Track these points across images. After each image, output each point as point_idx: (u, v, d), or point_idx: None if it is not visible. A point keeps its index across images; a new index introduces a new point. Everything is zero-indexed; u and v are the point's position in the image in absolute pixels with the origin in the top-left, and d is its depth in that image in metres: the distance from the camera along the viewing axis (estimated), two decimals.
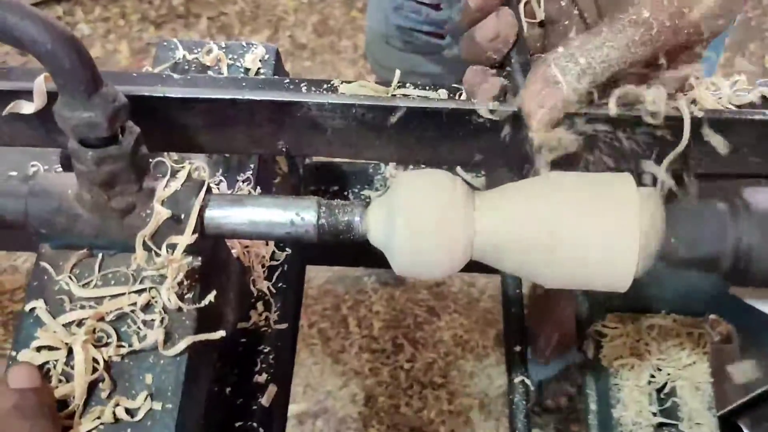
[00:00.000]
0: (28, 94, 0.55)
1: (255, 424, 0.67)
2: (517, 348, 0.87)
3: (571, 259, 0.49)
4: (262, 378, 0.69)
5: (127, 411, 0.52)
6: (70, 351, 0.53)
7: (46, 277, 0.56)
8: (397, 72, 0.62)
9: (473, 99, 0.57)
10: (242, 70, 0.77)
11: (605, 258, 0.49)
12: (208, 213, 0.54)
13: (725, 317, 0.86)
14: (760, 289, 0.59)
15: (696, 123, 0.54)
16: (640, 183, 0.51)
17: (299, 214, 0.54)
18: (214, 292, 0.55)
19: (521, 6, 0.56)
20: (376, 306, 1.91)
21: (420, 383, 1.81)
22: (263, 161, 0.77)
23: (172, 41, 0.79)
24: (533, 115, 0.51)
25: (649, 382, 0.77)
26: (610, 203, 0.49)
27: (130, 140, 0.52)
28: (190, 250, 0.54)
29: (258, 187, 0.74)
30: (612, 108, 0.52)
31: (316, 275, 1.94)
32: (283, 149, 0.62)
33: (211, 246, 0.58)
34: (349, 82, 0.63)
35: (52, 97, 0.54)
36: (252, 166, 0.75)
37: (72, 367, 0.52)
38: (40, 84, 0.54)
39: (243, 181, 0.74)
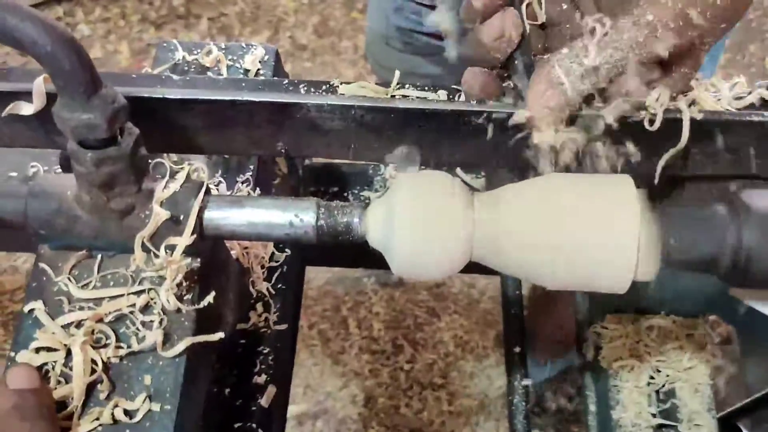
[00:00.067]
0: (27, 96, 0.55)
1: (254, 425, 0.67)
2: (517, 349, 0.87)
3: (571, 261, 0.49)
4: (261, 379, 0.69)
5: (126, 412, 0.51)
6: (68, 352, 0.53)
7: (45, 278, 0.56)
8: (397, 73, 0.62)
9: (472, 100, 0.57)
10: (242, 71, 0.77)
11: (604, 259, 0.49)
12: (207, 214, 0.55)
13: (725, 318, 0.86)
14: (760, 290, 0.59)
15: (695, 124, 0.54)
16: (639, 184, 0.51)
17: (298, 216, 0.54)
18: (213, 294, 0.55)
19: (523, 7, 0.56)
20: (376, 307, 1.91)
21: (420, 384, 1.81)
22: (262, 162, 0.77)
23: (171, 42, 0.79)
24: (537, 115, 0.51)
25: (649, 384, 0.77)
26: (609, 204, 0.49)
27: (129, 141, 0.52)
28: (189, 251, 0.54)
29: (257, 188, 0.74)
30: (609, 117, 0.52)
31: (316, 276, 1.94)
32: (283, 150, 0.62)
33: (210, 247, 0.58)
34: (349, 83, 0.63)
35: (51, 98, 0.54)
36: (251, 167, 0.75)
37: (71, 368, 0.52)
38: (40, 85, 0.54)
39: (242, 182, 0.74)
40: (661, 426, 0.76)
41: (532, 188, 0.52)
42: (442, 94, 0.63)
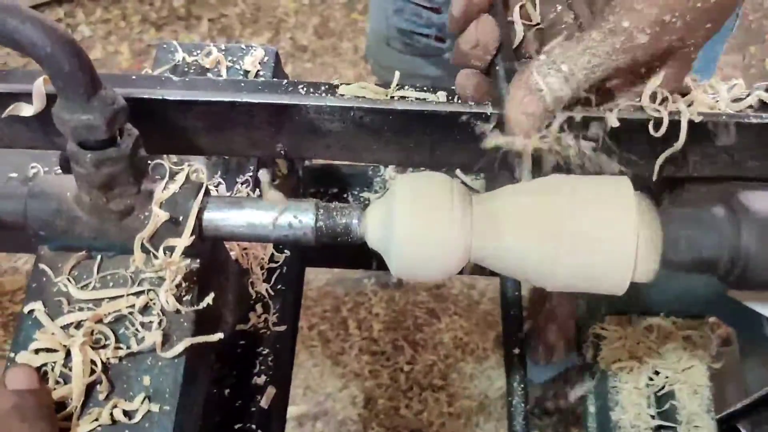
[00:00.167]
0: (27, 97, 0.55)
1: (254, 426, 0.67)
2: (516, 350, 0.87)
3: (569, 262, 0.49)
4: (261, 380, 0.69)
5: (125, 413, 0.52)
6: (68, 353, 0.53)
7: (44, 279, 0.56)
8: (397, 74, 0.62)
9: (466, 101, 0.58)
10: (241, 72, 0.78)
11: (603, 260, 0.49)
12: (207, 215, 0.55)
13: (725, 320, 0.86)
14: (759, 292, 0.59)
15: (693, 126, 0.54)
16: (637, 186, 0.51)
17: (297, 217, 0.54)
18: (212, 294, 0.55)
19: (516, 9, 0.56)
20: (375, 308, 1.91)
21: (420, 385, 1.81)
22: (262, 163, 0.77)
23: (171, 43, 0.79)
24: (515, 121, 0.51)
25: (648, 385, 0.77)
26: (607, 206, 0.49)
27: (128, 142, 0.52)
28: (188, 252, 0.54)
29: (257, 190, 0.74)
30: (612, 119, 0.52)
31: (316, 277, 1.94)
32: (282, 152, 0.62)
33: (210, 248, 0.58)
34: (349, 84, 0.63)
35: (51, 99, 0.54)
36: (251, 168, 0.75)
37: (70, 369, 0.52)
38: (40, 86, 0.54)
39: (242, 183, 0.74)
40: (660, 427, 0.76)
41: (531, 190, 0.52)
42: (442, 95, 0.63)
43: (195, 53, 0.78)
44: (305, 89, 0.60)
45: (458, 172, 0.83)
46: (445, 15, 1.17)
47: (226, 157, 0.75)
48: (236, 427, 0.67)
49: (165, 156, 0.64)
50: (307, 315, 1.87)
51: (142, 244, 0.54)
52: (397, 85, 0.61)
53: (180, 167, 0.57)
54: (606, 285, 0.50)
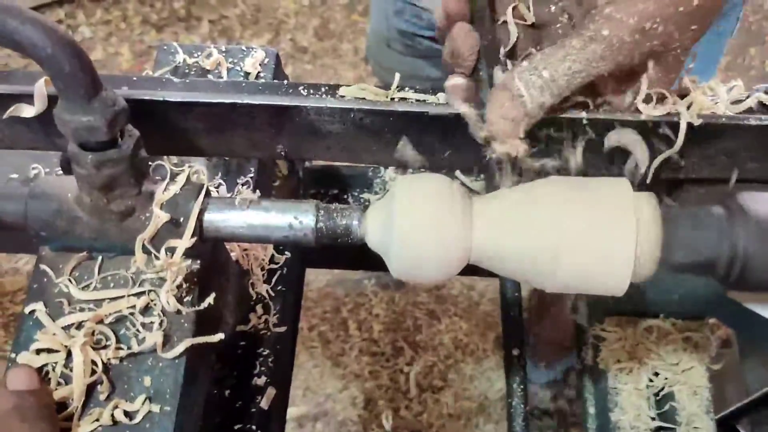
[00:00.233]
0: (28, 98, 0.55)
1: (254, 427, 0.67)
2: (516, 351, 0.87)
3: (569, 264, 0.49)
4: (261, 381, 0.69)
5: (126, 413, 0.52)
6: (69, 353, 0.53)
7: (45, 280, 0.56)
8: (397, 76, 0.63)
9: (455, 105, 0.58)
10: (242, 73, 0.78)
11: (602, 262, 0.49)
12: (207, 216, 0.55)
13: (725, 321, 0.86)
14: (759, 293, 0.59)
15: (692, 127, 0.54)
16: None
17: (298, 218, 0.54)
18: (213, 295, 0.55)
19: (509, 10, 0.57)
20: (376, 309, 1.91)
21: (420, 386, 1.81)
22: (262, 164, 0.77)
23: (172, 45, 0.79)
24: (497, 127, 0.52)
25: (648, 386, 0.78)
26: (606, 208, 0.49)
27: (129, 144, 0.53)
28: (189, 253, 0.54)
29: (257, 191, 0.74)
30: (644, 109, 0.53)
31: (316, 278, 1.94)
32: (283, 153, 0.62)
33: (210, 249, 0.59)
34: (349, 86, 0.63)
35: (52, 100, 0.54)
36: (251, 169, 0.75)
37: (71, 370, 0.52)
38: (41, 88, 0.54)
39: (242, 185, 0.74)
40: (659, 428, 0.76)
41: (531, 191, 0.52)
42: (442, 97, 0.63)
43: (196, 55, 0.79)
44: (306, 91, 0.61)
45: (458, 173, 0.84)
46: None
47: (227, 159, 0.75)
48: (236, 427, 0.67)
49: (166, 157, 0.64)
50: (307, 316, 1.88)
51: (143, 245, 0.54)
52: (398, 86, 0.62)
53: (181, 168, 0.57)
54: (605, 286, 0.50)
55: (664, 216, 0.50)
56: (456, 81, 0.58)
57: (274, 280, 0.74)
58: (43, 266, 0.56)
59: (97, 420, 0.51)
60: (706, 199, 0.54)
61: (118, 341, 0.54)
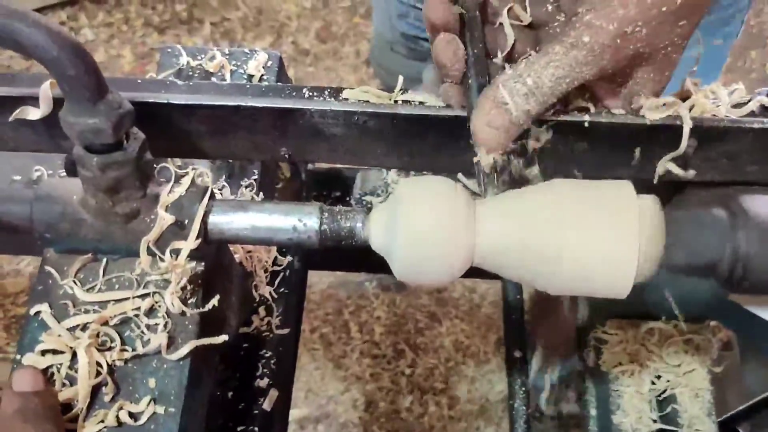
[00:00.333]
0: (34, 101, 0.56)
1: (256, 429, 0.68)
2: (518, 354, 0.88)
3: (572, 266, 0.49)
4: (263, 382, 0.70)
5: (131, 415, 0.52)
6: (74, 355, 0.53)
7: (50, 282, 0.56)
8: (400, 78, 0.63)
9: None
10: (245, 76, 0.78)
11: (605, 265, 0.49)
12: (212, 218, 0.55)
13: (726, 324, 0.86)
14: (760, 296, 0.59)
15: (694, 130, 0.54)
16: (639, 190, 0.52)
17: (302, 220, 0.54)
18: (217, 297, 0.55)
19: (504, 12, 0.57)
20: (377, 311, 1.91)
21: (421, 388, 1.81)
22: (266, 167, 0.77)
23: (175, 48, 0.79)
24: (481, 135, 0.52)
25: (650, 389, 0.78)
26: (610, 210, 0.49)
27: (134, 146, 0.53)
28: (193, 255, 0.55)
29: (261, 193, 0.75)
30: (647, 112, 0.53)
31: (319, 280, 1.94)
32: (286, 155, 0.62)
33: (215, 251, 0.59)
34: (352, 89, 0.63)
35: (57, 103, 0.54)
36: (255, 171, 0.75)
37: (76, 371, 0.52)
38: (46, 90, 0.55)
39: (246, 187, 0.74)
40: (661, 431, 0.76)
41: (534, 193, 0.52)
42: None
43: (199, 57, 0.79)
44: (309, 93, 0.61)
45: (460, 176, 0.84)
46: None
47: (231, 161, 0.75)
48: (239, 429, 0.67)
49: (170, 160, 0.64)
50: (309, 318, 1.88)
51: (148, 247, 0.54)
52: (400, 89, 0.62)
53: (185, 171, 0.57)
54: (608, 288, 0.50)
55: (667, 218, 0.51)
56: (448, 87, 0.58)
57: (277, 282, 0.74)
58: (48, 268, 0.56)
59: (102, 421, 0.51)
60: (708, 201, 0.54)
61: (122, 343, 0.54)
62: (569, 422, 0.91)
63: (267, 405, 0.69)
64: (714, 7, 0.96)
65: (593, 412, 0.82)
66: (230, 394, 0.69)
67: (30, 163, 0.73)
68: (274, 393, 0.69)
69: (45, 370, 0.53)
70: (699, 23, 0.51)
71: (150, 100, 0.58)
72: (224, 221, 0.55)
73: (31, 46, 0.46)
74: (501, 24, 0.57)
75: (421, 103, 0.61)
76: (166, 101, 0.58)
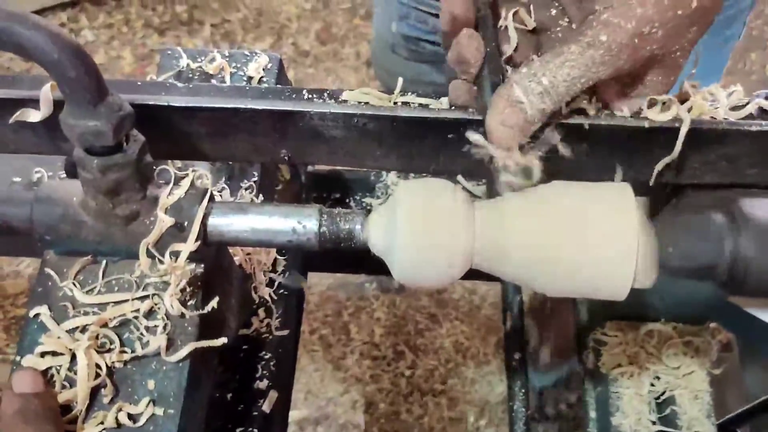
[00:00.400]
0: (34, 103, 0.56)
1: (256, 430, 0.68)
2: (517, 355, 0.88)
3: (570, 268, 0.50)
4: (263, 384, 0.70)
5: (130, 416, 0.52)
6: (73, 356, 0.53)
7: (50, 283, 0.56)
8: (400, 80, 0.63)
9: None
10: (245, 78, 0.78)
11: (604, 266, 0.49)
12: (211, 221, 0.55)
13: (725, 326, 0.86)
14: (760, 298, 0.59)
15: (692, 132, 0.54)
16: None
17: (301, 222, 0.54)
18: (216, 299, 0.55)
19: (510, 15, 0.57)
20: (377, 313, 1.91)
21: (421, 390, 1.81)
22: (266, 169, 0.77)
23: (176, 50, 0.79)
24: (496, 134, 0.52)
25: (649, 391, 0.78)
26: (609, 212, 0.50)
27: (134, 148, 0.53)
28: (192, 257, 0.55)
29: (260, 195, 0.75)
30: (649, 114, 0.53)
31: (318, 282, 1.94)
32: (286, 157, 0.62)
33: (214, 253, 0.59)
34: (352, 90, 0.63)
35: (58, 105, 0.54)
36: (255, 173, 0.76)
37: (75, 373, 0.52)
38: (47, 93, 0.55)
39: (245, 189, 0.74)
40: None
41: (533, 196, 0.52)
42: (445, 101, 0.63)
43: (199, 59, 0.79)
44: (309, 96, 0.61)
45: (460, 178, 0.84)
46: None
47: (230, 163, 0.75)
48: (238, 430, 0.68)
49: (170, 162, 0.64)
50: (308, 319, 1.88)
51: (148, 249, 0.54)
52: (401, 91, 0.62)
53: (185, 173, 0.57)
54: (607, 291, 0.51)
55: (666, 221, 0.51)
56: (459, 86, 0.58)
57: (276, 283, 0.74)
58: (47, 270, 0.56)
59: (101, 423, 0.52)
60: (706, 204, 0.55)
61: (122, 345, 0.54)
62: (569, 424, 0.91)
63: (266, 406, 0.69)
64: None
65: (593, 413, 0.82)
66: (230, 395, 0.69)
67: (30, 165, 0.73)
68: (273, 394, 0.69)
69: (45, 372, 0.53)
70: (707, 29, 0.51)
71: (150, 103, 0.58)
72: (224, 223, 0.55)
73: (31, 49, 0.46)
74: (505, 27, 0.57)
75: (421, 105, 0.61)
76: (166, 103, 0.58)
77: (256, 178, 0.75)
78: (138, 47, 2.40)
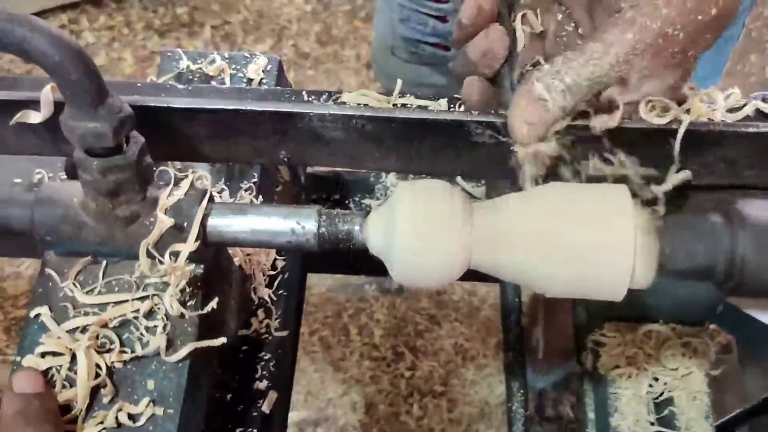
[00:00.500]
0: (35, 104, 0.56)
1: (255, 431, 0.68)
2: (516, 357, 0.88)
3: (568, 269, 0.50)
4: (262, 385, 0.70)
5: (130, 416, 0.52)
6: (73, 357, 0.53)
7: (50, 284, 0.56)
8: (399, 82, 0.63)
9: (471, 110, 0.58)
10: (245, 80, 0.78)
11: (601, 267, 0.49)
12: (211, 221, 0.55)
13: (725, 327, 0.87)
14: (759, 299, 0.60)
15: (690, 134, 0.55)
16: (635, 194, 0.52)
17: (300, 223, 0.54)
18: (216, 299, 0.56)
19: (518, 18, 0.57)
20: (377, 314, 1.91)
21: (420, 391, 1.81)
22: (265, 170, 0.77)
23: (176, 52, 0.80)
24: (518, 131, 0.52)
25: (647, 392, 0.78)
26: (606, 213, 0.50)
27: (134, 150, 0.53)
28: (192, 257, 0.55)
29: (260, 196, 0.75)
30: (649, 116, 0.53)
31: (318, 283, 1.94)
32: (285, 159, 0.63)
33: (214, 254, 0.59)
34: (351, 92, 0.64)
35: (58, 106, 0.55)
36: (254, 175, 0.76)
37: (75, 373, 0.53)
38: (48, 94, 0.55)
39: (245, 190, 0.75)
40: None
41: (531, 197, 0.52)
42: (443, 103, 0.64)
43: (199, 61, 0.79)
44: (308, 97, 0.61)
45: (459, 179, 0.84)
46: (450, 24, 1.18)
47: (230, 164, 0.75)
48: (238, 431, 0.68)
49: (170, 163, 0.65)
50: (308, 321, 1.88)
51: (147, 250, 0.54)
52: (399, 93, 0.62)
53: (184, 174, 0.58)
54: (604, 291, 0.51)
55: (663, 222, 0.51)
56: (475, 82, 0.58)
57: (275, 284, 0.74)
58: (48, 270, 0.57)
59: (101, 423, 0.52)
60: (704, 205, 0.55)
61: (122, 345, 0.54)
62: (567, 425, 0.91)
63: (266, 407, 0.69)
64: None
65: (591, 414, 0.82)
66: (229, 396, 0.69)
67: (31, 166, 0.73)
68: (273, 395, 0.69)
69: (45, 372, 0.53)
70: (717, 39, 0.51)
71: (150, 104, 0.58)
72: (223, 224, 0.55)
73: (32, 51, 0.47)
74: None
75: (419, 106, 0.61)
76: (166, 105, 0.59)
77: (255, 180, 0.75)
78: (138, 49, 2.40)
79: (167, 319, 0.55)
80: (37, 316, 0.55)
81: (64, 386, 0.53)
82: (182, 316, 0.55)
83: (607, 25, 0.50)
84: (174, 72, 0.78)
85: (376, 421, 1.77)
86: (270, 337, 0.72)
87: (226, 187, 0.75)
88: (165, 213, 0.54)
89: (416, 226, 0.51)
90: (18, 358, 0.54)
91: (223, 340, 0.56)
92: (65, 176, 0.69)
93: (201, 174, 0.61)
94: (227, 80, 0.78)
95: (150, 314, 0.55)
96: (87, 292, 0.56)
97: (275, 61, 0.80)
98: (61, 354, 0.54)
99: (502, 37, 0.55)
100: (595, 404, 0.81)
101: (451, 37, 1.11)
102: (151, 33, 2.44)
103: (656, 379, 0.78)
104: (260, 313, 0.73)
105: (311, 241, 0.54)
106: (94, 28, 2.44)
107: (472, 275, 0.54)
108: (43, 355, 0.54)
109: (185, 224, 0.54)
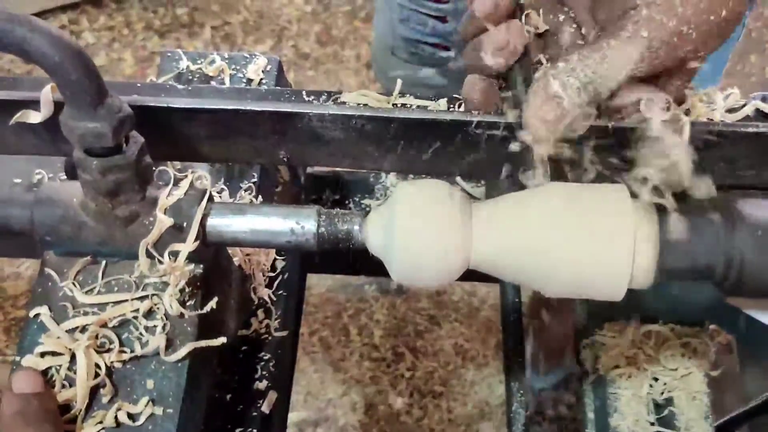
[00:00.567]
0: (35, 104, 0.56)
1: (255, 431, 0.68)
2: (516, 357, 0.88)
3: (567, 269, 0.50)
4: (262, 385, 0.70)
5: (129, 416, 0.52)
6: (73, 356, 0.53)
7: (50, 284, 0.56)
8: (399, 82, 0.63)
9: (471, 109, 0.58)
10: (245, 80, 0.78)
11: (600, 267, 0.49)
12: (210, 221, 0.55)
13: (725, 327, 0.87)
14: (758, 299, 0.60)
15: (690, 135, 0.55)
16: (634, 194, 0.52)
17: (299, 223, 0.54)
18: (215, 299, 0.56)
19: (522, 17, 0.57)
20: (377, 314, 1.91)
21: (420, 392, 1.81)
22: (265, 170, 0.77)
23: (176, 52, 0.80)
24: (534, 129, 0.52)
25: (647, 392, 0.78)
26: (605, 214, 0.50)
27: (134, 150, 0.53)
28: (192, 257, 0.55)
29: (259, 196, 0.75)
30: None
31: (318, 283, 1.94)
32: (285, 159, 0.63)
33: (213, 254, 0.59)
34: (350, 93, 0.64)
35: (58, 106, 0.55)
36: (254, 175, 0.76)
37: (75, 372, 0.53)
38: (47, 94, 0.55)
39: (245, 190, 0.75)
40: None
41: (530, 197, 0.52)
42: (443, 103, 0.64)
43: (199, 62, 0.79)
44: (308, 97, 0.61)
45: (458, 179, 0.84)
46: (450, 24, 1.18)
47: (230, 164, 0.75)
48: (237, 431, 0.68)
49: (169, 163, 0.65)
50: (308, 321, 1.88)
51: (147, 250, 0.54)
52: (399, 93, 0.62)
53: (184, 174, 0.58)
54: (603, 291, 0.51)
55: (662, 222, 0.51)
56: (476, 81, 0.57)
57: (275, 284, 0.74)
58: (47, 270, 0.57)
59: (101, 422, 0.52)
60: (703, 205, 0.55)
61: (121, 345, 0.54)
62: (567, 425, 0.92)
63: (266, 407, 0.69)
64: None
65: (591, 415, 0.82)
66: (229, 396, 0.69)
67: (30, 166, 0.74)
68: (272, 395, 0.69)
69: (44, 372, 0.53)
70: (725, 42, 0.52)
71: (150, 104, 0.58)
72: (223, 224, 0.55)
73: (32, 51, 0.47)
74: None
75: (419, 106, 0.61)
76: (165, 105, 0.59)
77: (255, 180, 0.76)
78: (138, 49, 2.40)
79: (167, 319, 0.55)
80: (37, 316, 0.55)
81: (63, 386, 0.53)
82: (182, 315, 0.55)
83: (622, 23, 0.50)
84: (174, 72, 0.78)
85: (376, 422, 1.77)
86: (270, 338, 0.72)
87: (225, 187, 0.75)
88: (164, 213, 0.54)
89: (416, 227, 0.51)
90: (17, 358, 0.54)
91: (222, 339, 0.56)
92: (65, 176, 0.70)
93: (200, 174, 0.61)
94: (227, 80, 0.78)
95: (149, 314, 0.55)
96: (86, 292, 0.56)
97: (275, 61, 0.80)
98: (60, 354, 0.54)
99: (522, 33, 0.55)
100: (595, 404, 0.81)
101: (451, 37, 1.12)
102: (151, 33, 2.44)
103: (656, 380, 0.78)
104: (260, 313, 0.73)
105: (311, 241, 0.54)
106: (94, 28, 2.44)
107: (472, 275, 0.54)
108: (42, 355, 0.54)
109: (185, 224, 0.55)
